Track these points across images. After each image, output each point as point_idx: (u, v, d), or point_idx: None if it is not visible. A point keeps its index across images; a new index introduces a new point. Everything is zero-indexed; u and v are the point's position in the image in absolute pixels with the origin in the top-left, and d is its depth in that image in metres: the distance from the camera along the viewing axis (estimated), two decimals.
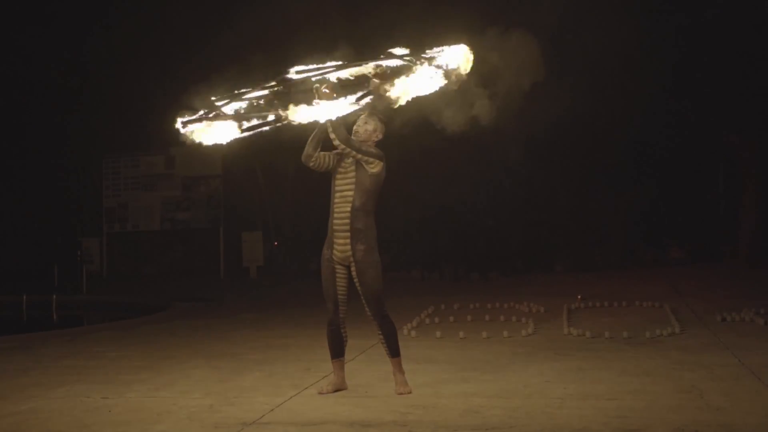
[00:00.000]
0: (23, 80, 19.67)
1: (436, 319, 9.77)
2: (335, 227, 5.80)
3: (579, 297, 11.24)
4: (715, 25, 14.84)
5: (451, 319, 9.86)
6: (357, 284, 5.80)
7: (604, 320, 9.42)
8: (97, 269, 20.02)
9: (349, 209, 5.75)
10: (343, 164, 5.85)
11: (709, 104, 15.99)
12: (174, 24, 17.35)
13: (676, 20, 14.64)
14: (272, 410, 5.42)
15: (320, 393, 5.88)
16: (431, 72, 5.22)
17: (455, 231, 17.40)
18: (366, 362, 7.12)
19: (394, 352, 5.85)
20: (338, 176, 5.84)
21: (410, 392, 5.79)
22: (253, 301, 13.41)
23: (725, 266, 15.71)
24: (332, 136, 5.68)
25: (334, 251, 5.81)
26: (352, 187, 5.77)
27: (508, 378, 6.30)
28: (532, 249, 17.36)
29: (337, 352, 5.94)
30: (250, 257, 19.15)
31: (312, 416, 5.24)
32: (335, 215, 5.80)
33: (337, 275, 5.84)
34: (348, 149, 5.71)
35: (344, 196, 5.79)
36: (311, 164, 5.84)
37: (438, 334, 8.60)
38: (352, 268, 5.78)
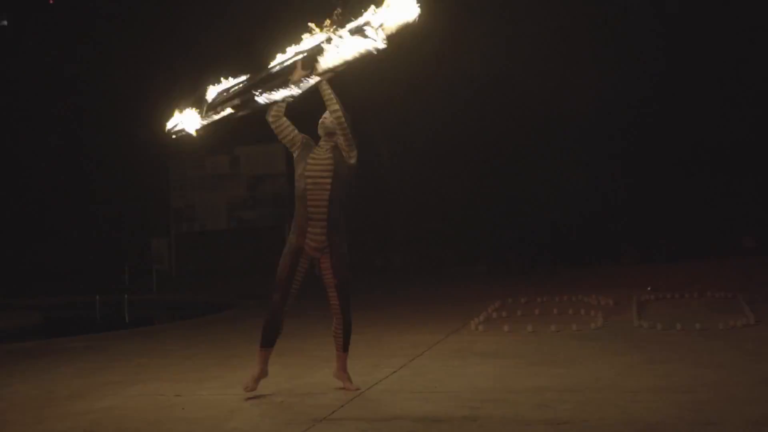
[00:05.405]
0: (80, 82, 20.14)
1: (504, 314, 9.71)
2: (310, 215, 5.67)
3: (648, 288, 11.06)
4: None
5: (519, 313, 9.78)
6: (331, 275, 5.76)
7: (675, 311, 9.25)
8: (166, 269, 20.38)
9: (326, 197, 5.65)
10: (314, 150, 5.72)
11: None
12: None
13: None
14: (342, 406, 5.44)
15: (246, 390, 5.76)
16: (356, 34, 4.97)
17: (520, 223, 17.27)
18: (433, 357, 7.12)
19: (347, 346, 5.95)
20: (311, 162, 5.67)
21: (358, 389, 5.80)
22: (319, 297, 13.45)
23: None
24: (334, 101, 5.53)
25: (308, 240, 5.72)
26: (330, 175, 5.65)
27: (579, 371, 6.22)
28: (598, 240, 17.13)
29: (271, 341, 5.85)
30: None
31: (382, 412, 5.24)
32: (309, 202, 5.66)
33: (299, 267, 5.80)
34: (341, 125, 5.59)
35: (318, 183, 5.65)
36: (276, 125, 5.68)
37: (506, 328, 8.54)
38: (324, 259, 5.74)
